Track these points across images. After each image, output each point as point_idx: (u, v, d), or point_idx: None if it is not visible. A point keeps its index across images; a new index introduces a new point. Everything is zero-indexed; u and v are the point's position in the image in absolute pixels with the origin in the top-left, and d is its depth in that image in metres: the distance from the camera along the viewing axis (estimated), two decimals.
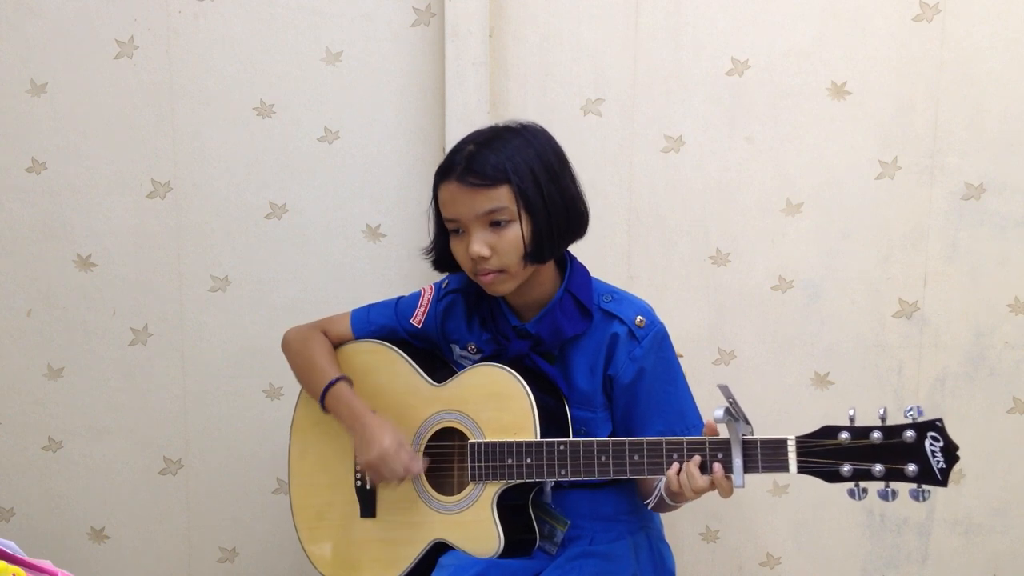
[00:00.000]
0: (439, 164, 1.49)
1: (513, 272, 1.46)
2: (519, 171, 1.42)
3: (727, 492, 1.34)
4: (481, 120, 1.86)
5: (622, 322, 1.50)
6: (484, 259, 1.44)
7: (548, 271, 1.53)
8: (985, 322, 1.91)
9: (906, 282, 1.91)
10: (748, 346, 1.95)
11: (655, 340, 1.51)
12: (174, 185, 1.98)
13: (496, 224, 1.43)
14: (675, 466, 1.35)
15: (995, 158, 1.86)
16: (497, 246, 1.43)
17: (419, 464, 1.51)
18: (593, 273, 1.57)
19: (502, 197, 1.42)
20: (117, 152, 1.97)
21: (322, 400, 1.56)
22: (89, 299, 2.02)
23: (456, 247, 1.49)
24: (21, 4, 1.94)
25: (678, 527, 2.00)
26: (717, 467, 1.32)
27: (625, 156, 1.93)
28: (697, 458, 1.33)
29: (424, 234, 1.96)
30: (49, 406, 2.06)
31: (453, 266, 1.55)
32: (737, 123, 1.90)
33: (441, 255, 1.55)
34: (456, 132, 1.86)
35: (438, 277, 1.63)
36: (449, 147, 1.87)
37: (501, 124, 1.50)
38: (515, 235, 1.43)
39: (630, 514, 1.58)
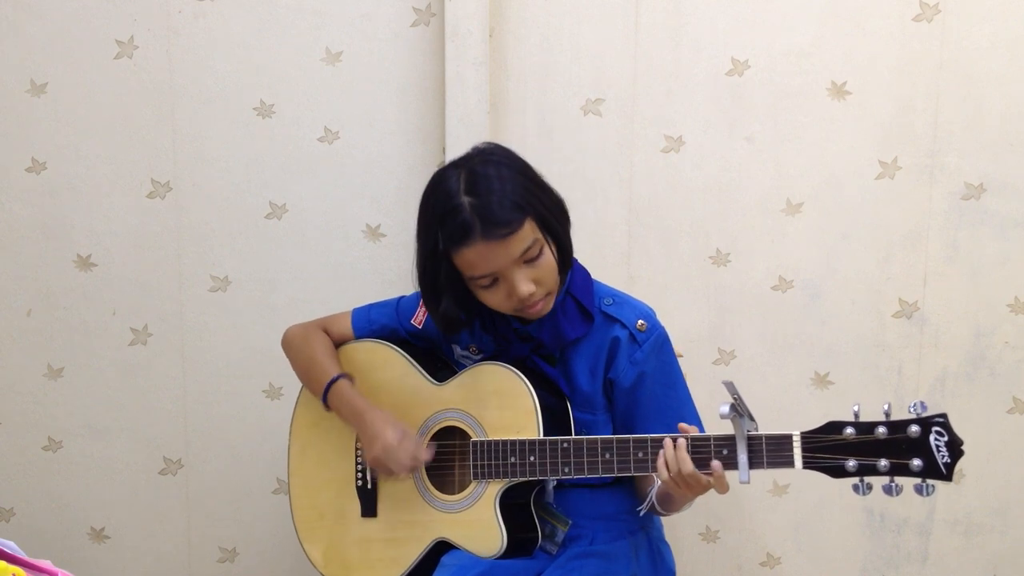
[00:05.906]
0: (444, 232, 1.37)
1: (555, 290, 1.46)
2: (525, 200, 1.39)
3: (724, 487, 1.34)
4: (481, 120, 1.86)
5: (623, 326, 1.50)
6: (532, 295, 1.41)
7: None
8: (985, 322, 1.91)
9: (906, 282, 1.91)
10: (748, 346, 1.95)
11: (656, 344, 1.51)
12: (174, 185, 1.98)
13: (531, 259, 1.40)
14: (661, 457, 1.34)
15: (995, 158, 1.86)
16: (539, 277, 1.41)
17: (426, 452, 1.50)
18: (593, 274, 1.57)
19: (528, 233, 1.39)
20: (117, 152, 1.97)
21: (324, 398, 1.57)
22: (89, 299, 2.02)
23: (492, 296, 1.43)
24: (21, 4, 1.94)
25: (678, 527, 2.00)
26: (716, 464, 1.32)
27: (625, 156, 1.93)
28: (682, 441, 1.34)
29: None
30: (49, 406, 2.05)
31: (466, 323, 1.49)
32: (737, 123, 1.90)
33: (454, 317, 1.46)
34: (456, 132, 1.86)
35: None
36: (449, 147, 1.88)
37: (463, 160, 1.43)
38: (549, 259, 1.42)
39: (630, 513, 1.58)
